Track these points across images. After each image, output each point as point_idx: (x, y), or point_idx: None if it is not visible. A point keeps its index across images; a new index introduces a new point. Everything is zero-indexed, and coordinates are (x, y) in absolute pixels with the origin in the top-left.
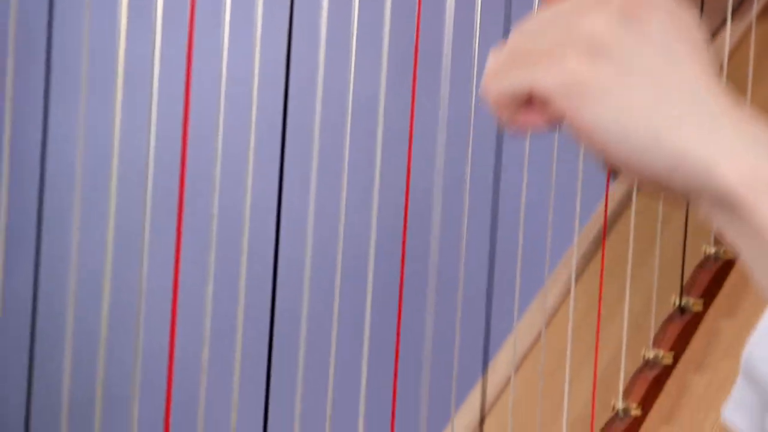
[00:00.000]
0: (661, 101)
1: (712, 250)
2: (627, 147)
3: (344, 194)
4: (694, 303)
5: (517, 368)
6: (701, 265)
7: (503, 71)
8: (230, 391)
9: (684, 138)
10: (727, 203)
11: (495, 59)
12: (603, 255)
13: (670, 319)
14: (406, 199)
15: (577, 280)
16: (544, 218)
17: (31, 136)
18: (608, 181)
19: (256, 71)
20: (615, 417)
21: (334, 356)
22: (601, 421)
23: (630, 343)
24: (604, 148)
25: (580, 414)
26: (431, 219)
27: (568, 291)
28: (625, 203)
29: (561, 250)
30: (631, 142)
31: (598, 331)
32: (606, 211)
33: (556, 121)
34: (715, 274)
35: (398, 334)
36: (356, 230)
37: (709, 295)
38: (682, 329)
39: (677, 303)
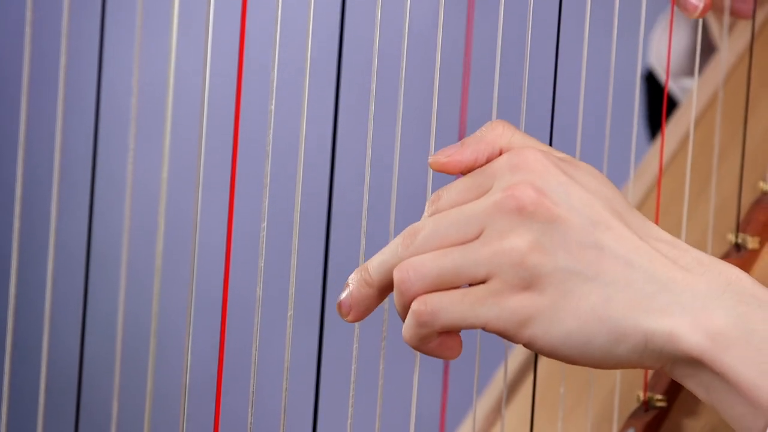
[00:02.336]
0: (609, 297)
1: None
2: (593, 352)
3: (399, 138)
4: (750, 240)
5: None
6: (757, 203)
7: (442, 301)
8: (284, 329)
9: (640, 321)
10: (697, 366)
11: (414, 247)
12: (659, 191)
13: (726, 257)
14: (461, 137)
15: None
16: (599, 155)
17: (86, 74)
18: (664, 119)
19: (311, 14)
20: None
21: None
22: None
23: None
24: (573, 360)
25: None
26: None
27: None
28: (682, 139)
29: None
30: (595, 346)
31: None
32: (662, 147)
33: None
34: None
35: None
36: (412, 166)
37: (766, 232)
38: (739, 267)
39: (733, 240)
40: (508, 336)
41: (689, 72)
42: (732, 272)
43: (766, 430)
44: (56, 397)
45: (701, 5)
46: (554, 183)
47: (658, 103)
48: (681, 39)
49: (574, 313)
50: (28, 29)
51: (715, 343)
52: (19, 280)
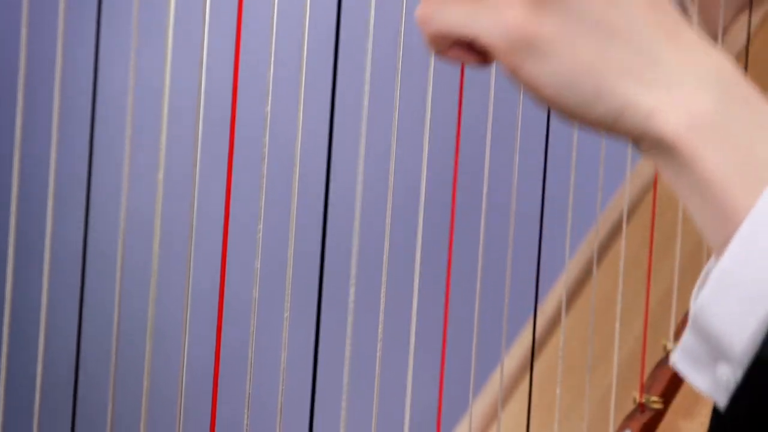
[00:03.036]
0: (604, 52)
1: None
2: (570, 100)
3: (395, 130)
4: None
5: (567, 307)
6: None
7: (444, 6)
8: (280, 330)
9: (625, 88)
10: (667, 151)
11: None
12: (655, 191)
13: None
14: (458, 136)
15: (628, 219)
16: (596, 155)
17: (82, 74)
18: None
19: (308, 8)
20: (666, 357)
21: (384, 293)
22: (651, 361)
23: (682, 282)
24: (547, 99)
25: (630, 353)
26: (484, 154)
27: (620, 229)
28: None
29: (613, 188)
30: (575, 95)
31: (649, 270)
32: None
33: (491, 62)
34: None
35: (449, 274)
36: (407, 167)
37: None
38: None
39: None
40: (497, 56)
41: None
42: (724, 62)
43: (729, 241)
44: (52, 396)
45: None
46: None
47: None
48: None
49: (570, 54)
50: (24, 29)
51: (691, 127)
52: (16, 278)
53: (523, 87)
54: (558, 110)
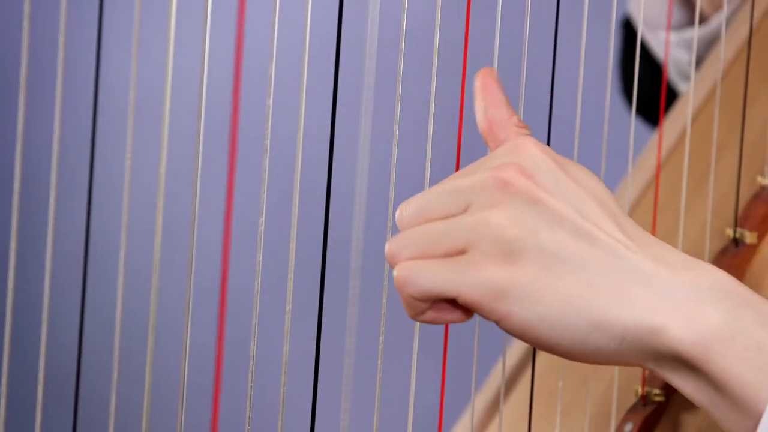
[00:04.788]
0: (589, 283)
1: (766, 181)
2: (567, 337)
3: (397, 134)
4: (748, 235)
5: None
6: (756, 197)
7: (420, 267)
8: (282, 324)
9: (622, 313)
10: (681, 362)
11: (405, 219)
12: (657, 186)
13: (724, 252)
14: (460, 130)
15: (631, 212)
16: (598, 150)
17: (84, 70)
18: (662, 112)
19: (310, 2)
20: None
21: (386, 286)
22: None
23: None
24: (543, 341)
25: None
26: (485, 150)
27: None
28: (679, 135)
29: (615, 182)
30: (570, 332)
31: None
32: (660, 142)
33: (471, 316)
34: None
35: None
36: (410, 162)
37: (764, 227)
38: (737, 262)
39: (732, 235)
40: (482, 310)
41: (666, 26)
42: (718, 273)
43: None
44: (55, 393)
45: None
46: (545, 169)
47: (633, 52)
48: None
49: (553, 293)
50: (25, 25)
51: (703, 339)
52: (18, 275)
53: (517, 335)
54: (557, 351)
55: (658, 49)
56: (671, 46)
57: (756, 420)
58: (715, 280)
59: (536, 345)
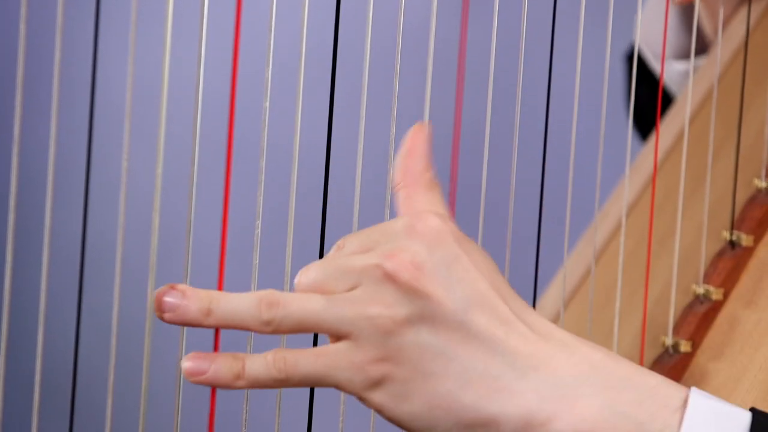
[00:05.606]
0: (465, 381)
1: (763, 184)
2: None
3: (393, 137)
4: (744, 238)
5: (567, 303)
6: (752, 200)
7: (299, 356)
8: None
9: (500, 408)
10: None
11: (302, 288)
12: (654, 189)
13: (720, 255)
14: (457, 131)
15: (627, 214)
16: (594, 152)
17: (81, 72)
18: (659, 116)
19: (307, 4)
20: (664, 353)
21: None
22: (650, 357)
23: (680, 279)
24: None
25: (628, 349)
26: (482, 151)
27: (618, 226)
28: (677, 137)
29: (612, 184)
30: (440, 430)
31: (648, 267)
32: (657, 144)
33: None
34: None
35: None
36: None
37: (760, 230)
38: (733, 265)
39: (728, 238)
40: (357, 397)
41: (677, 54)
42: (596, 355)
43: None
44: (51, 394)
45: None
46: (439, 257)
47: (641, 84)
48: (669, 20)
49: (425, 394)
50: (22, 26)
51: (583, 431)
52: (14, 277)
53: (396, 425)
54: None
55: (668, 79)
56: (682, 75)
57: None
58: (594, 365)
59: None
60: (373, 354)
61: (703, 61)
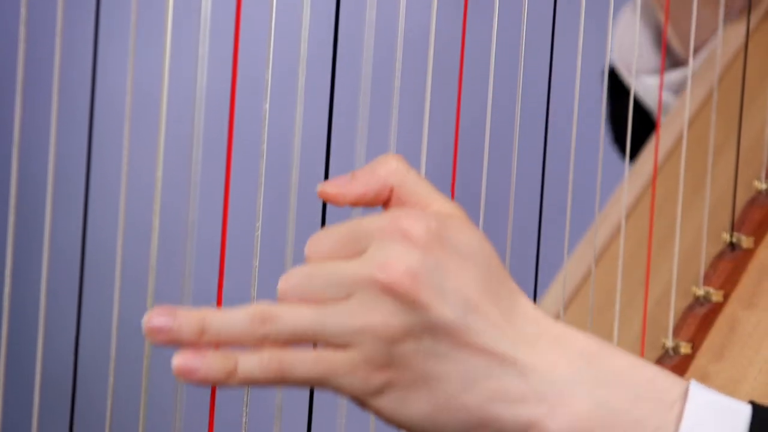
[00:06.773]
0: (465, 387)
1: (763, 185)
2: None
3: (393, 138)
4: (745, 240)
5: (567, 305)
6: (752, 202)
7: (296, 359)
8: None
9: (499, 411)
10: None
11: (286, 294)
12: (654, 191)
13: (720, 256)
14: (456, 132)
15: (627, 216)
16: (594, 154)
17: (81, 73)
18: (659, 117)
19: (307, 5)
20: (664, 355)
21: None
22: (650, 359)
23: (680, 281)
24: None
25: (629, 351)
26: (482, 153)
27: (618, 228)
28: (676, 140)
29: (611, 186)
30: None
31: (648, 268)
32: (657, 146)
33: None
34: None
35: None
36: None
37: (760, 231)
38: (733, 266)
39: (728, 240)
40: (358, 402)
41: (648, 70)
42: (591, 348)
43: None
44: (51, 394)
45: None
46: (431, 264)
47: (620, 100)
48: (641, 36)
49: (428, 398)
50: (22, 28)
51: (582, 429)
52: (14, 277)
53: (397, 427)
54: None
55: (643, 94)
56: (656, 90)
57: None
58: (589, 360)
59: None
60: (375, 363)
61: (676, 74)
